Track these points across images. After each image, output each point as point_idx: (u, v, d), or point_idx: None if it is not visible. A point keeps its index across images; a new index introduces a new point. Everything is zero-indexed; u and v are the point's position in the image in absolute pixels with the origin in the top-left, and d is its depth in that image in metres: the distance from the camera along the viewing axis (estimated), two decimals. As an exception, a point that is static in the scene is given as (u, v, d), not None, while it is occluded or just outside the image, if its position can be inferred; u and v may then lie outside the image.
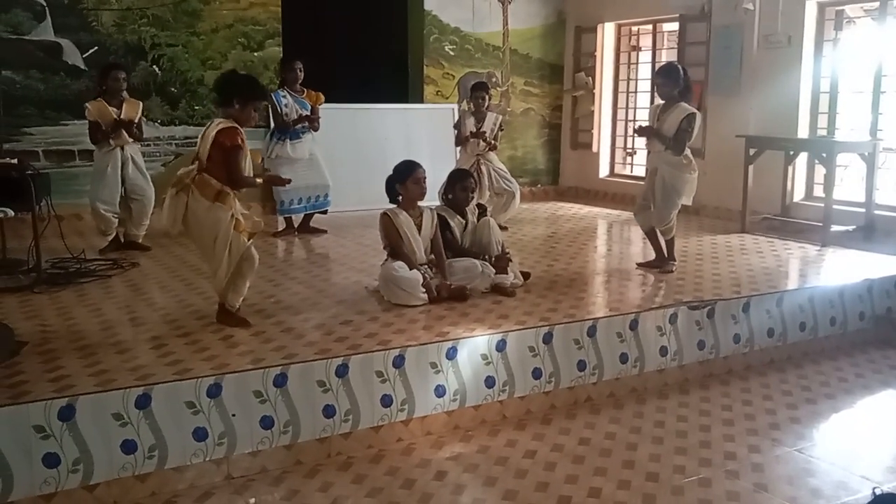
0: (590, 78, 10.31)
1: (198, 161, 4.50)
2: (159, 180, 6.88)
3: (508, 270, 5.41)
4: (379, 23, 9.66)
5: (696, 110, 5.89)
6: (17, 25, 7.83)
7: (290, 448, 3.87)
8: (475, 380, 4.33)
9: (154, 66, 8.41)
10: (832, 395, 4.86)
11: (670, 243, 6.10)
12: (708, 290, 5.50)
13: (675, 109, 5.80)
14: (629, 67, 10.24)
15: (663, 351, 4.95)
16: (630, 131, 9.99)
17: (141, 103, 6.85)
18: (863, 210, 7.41)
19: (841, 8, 7.91)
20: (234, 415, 3.73)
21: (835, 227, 7.25)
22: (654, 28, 9.77)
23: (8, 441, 3.33)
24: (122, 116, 6.56)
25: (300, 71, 7.36)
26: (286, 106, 7.31)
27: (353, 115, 9.00)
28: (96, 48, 8.11)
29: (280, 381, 3.83)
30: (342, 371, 3.98)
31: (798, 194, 8.19)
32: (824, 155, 7.42)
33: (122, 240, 6.81)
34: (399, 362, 4.12)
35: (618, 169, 10.43)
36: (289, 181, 5.16)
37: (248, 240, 4.51)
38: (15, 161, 5.80)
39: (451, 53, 9.89)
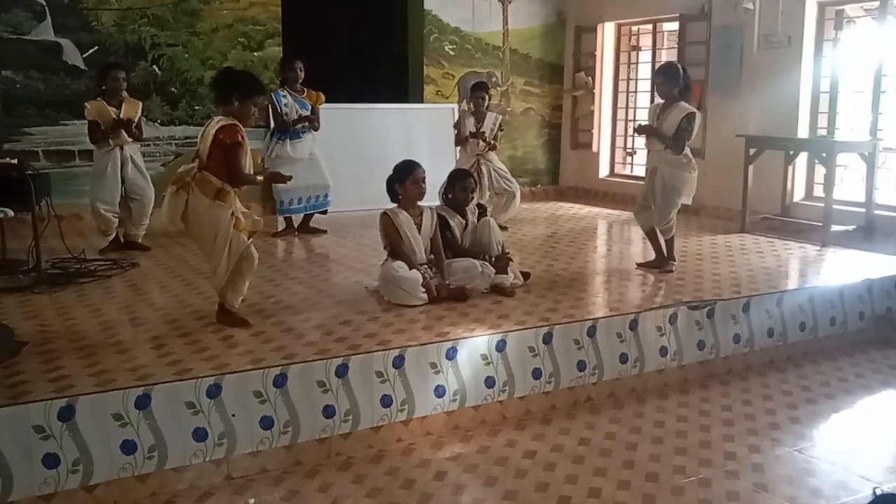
0: (590, 78, 10.30)
1: (198, 159, 4.51)
2: (159, 180, 6.87)
3: (508, 270, 5.41)
4: (379, 23, 9.66)
5: (695, 109, 5.90)
6: (17, 25, 7.83)
7: (289, 448, 3.87)
8: (475, 380, 4.33)
9: (154, 66, 8.41)
10: (832, 395, 4.85)
11: (670, 243, 6.10)
12: (708, 290, 5.50)
13: (675, 108, 5.80)
14: (629, 67, 10.23)
15: (663, 351, 4.95)
16: (630, 131, 9.99)
17: (140, 103, 6.85)
18: (863, 210, 7.41)
19: (841, 8, 7.90)
20: (233, 415, 3.73)
21: (835, 227, 7.25)
22: (654, 28, 9.77)
23: (8, 441, 3.33)
24: (121, 116, 6.56)
25: (300, 71, 7.37)
26: (286, 106, 7.31)
27: (353, 115, 9.00)
28: (96, 48, 8.11)
29: (280, 381, 3.83)
30: (342, 371, 3.98)
31: (798, 194, 8.19)
32: (824, 155, 7.42)
33: (122, 240, 6.82)
34: (399, 362, 4.12)
35: (618, 169, 10.43)
36: (290, 178, 5.16)
37: (248, 239, 4.52)
38: (15, 161, 5.80)
39: (451, 53, 9.89)
